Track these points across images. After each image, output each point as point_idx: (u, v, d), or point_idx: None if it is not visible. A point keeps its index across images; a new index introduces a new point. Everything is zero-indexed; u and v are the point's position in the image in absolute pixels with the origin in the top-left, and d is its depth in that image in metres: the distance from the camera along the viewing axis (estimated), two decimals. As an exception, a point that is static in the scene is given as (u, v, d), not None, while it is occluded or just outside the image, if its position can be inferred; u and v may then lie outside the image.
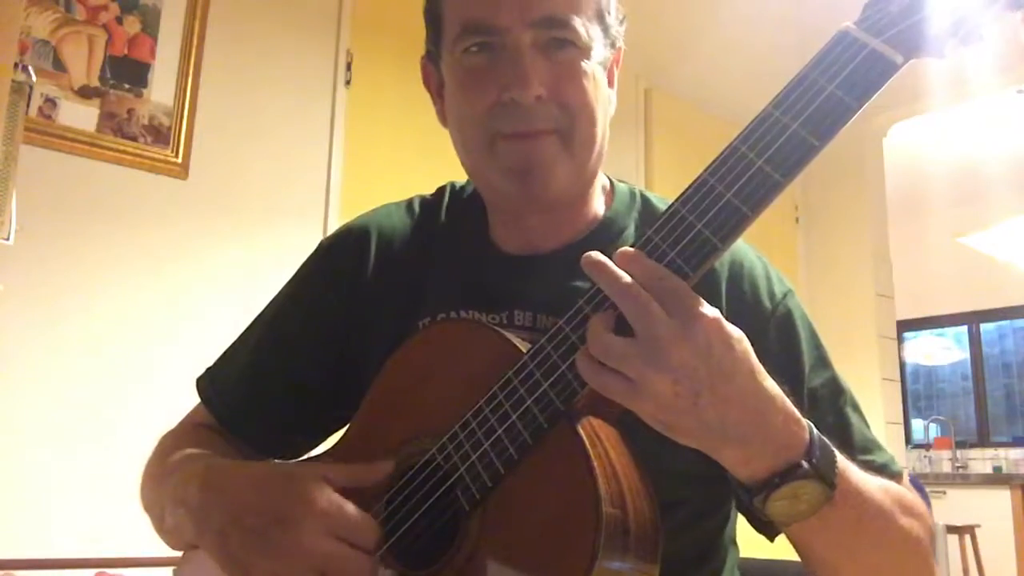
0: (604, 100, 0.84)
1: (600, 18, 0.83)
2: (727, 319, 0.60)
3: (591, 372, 0.61)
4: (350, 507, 0.68)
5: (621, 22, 0.87)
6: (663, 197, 0.92)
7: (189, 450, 0.85)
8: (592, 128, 0.82)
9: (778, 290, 0.85)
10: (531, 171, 0.80)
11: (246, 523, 0.68)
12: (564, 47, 0.79)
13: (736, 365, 0.59)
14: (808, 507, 0.62)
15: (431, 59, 0.89)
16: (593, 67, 0.81)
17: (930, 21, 0.60)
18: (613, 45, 0.86)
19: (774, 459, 0.61)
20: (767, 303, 0.84)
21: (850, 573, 0.71)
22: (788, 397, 0.63)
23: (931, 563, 0.75)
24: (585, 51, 0.81)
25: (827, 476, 0.62)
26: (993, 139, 4.94)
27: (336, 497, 0.68)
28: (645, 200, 0.91)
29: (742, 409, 0.59)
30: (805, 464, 0.61)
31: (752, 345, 0.62)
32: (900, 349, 5.24)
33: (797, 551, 0.71)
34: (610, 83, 0.86)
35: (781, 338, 0.83)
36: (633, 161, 3.48)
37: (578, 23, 0.79)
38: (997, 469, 5.64)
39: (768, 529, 0.73)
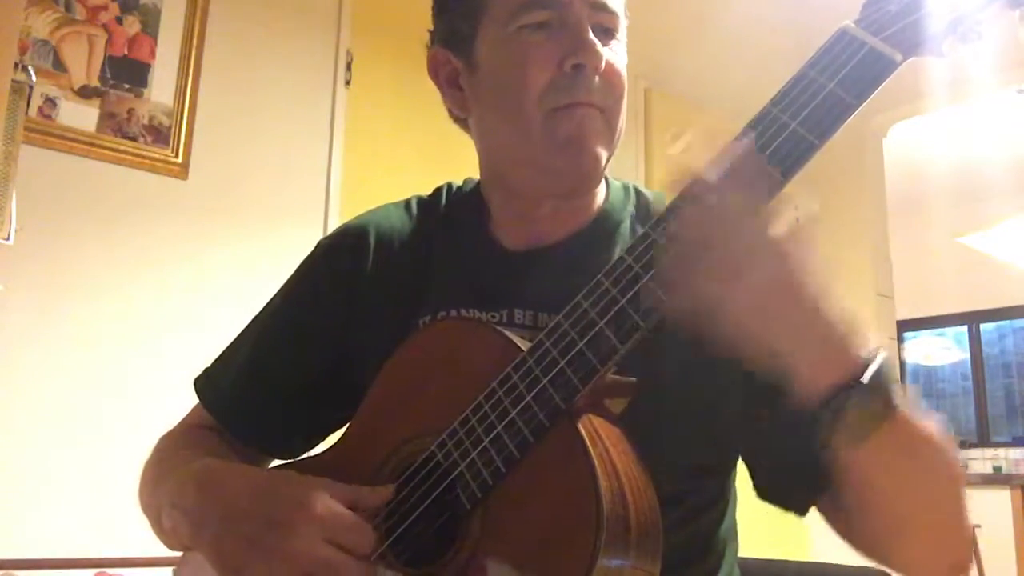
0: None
1: (624, 17, 0.85)
2: None
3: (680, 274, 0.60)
4: (345, 512, 0.68)
5: None
6: (656, 192, 0.93)
7: (186, 452, 0.85)
8: (621, 116, 0.85)
9: None
10: (584, 140, 0.81)
11: (241, 527, 0.68)
12: (608, 34, 0.83)
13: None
14: (872, 422, 0.60)
15: (449, 47, 0.88)
16: (624, 63, 0.84)
17: (929, 19, 0.61)
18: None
19: (846, 367, 0.60)
20: None
21: (904, 503, 0.67)
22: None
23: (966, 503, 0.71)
24: (622, 44, 0.84)
25: (887, 392, 0.61)
26: (993, 139, 4.93)
27: (332, 502, 0.68)
28: (639, 194, 0.92)
29: (824, 306, 0.61)
30: (868, 375, 0.60)
31: None
32: (900, 349, 5.24)
33: (848, 491, 0.68)
34: None
35: None
36: (633, 161, 3.48)
37: (620, 16, 0.83)
38: (997, 469, 5.63)
39: (799, 501, 0.74)
